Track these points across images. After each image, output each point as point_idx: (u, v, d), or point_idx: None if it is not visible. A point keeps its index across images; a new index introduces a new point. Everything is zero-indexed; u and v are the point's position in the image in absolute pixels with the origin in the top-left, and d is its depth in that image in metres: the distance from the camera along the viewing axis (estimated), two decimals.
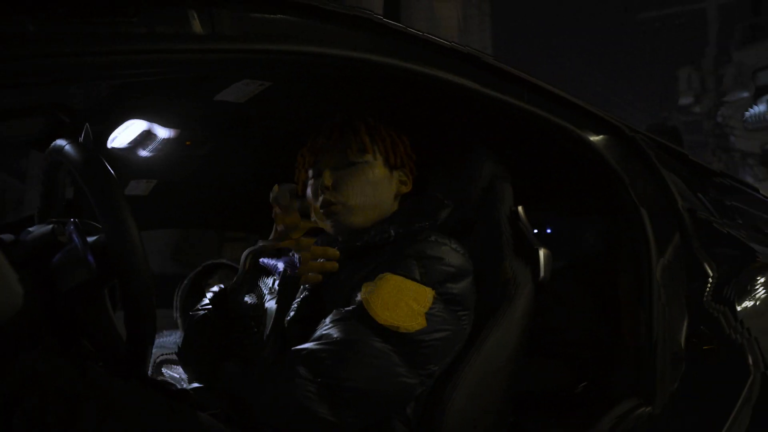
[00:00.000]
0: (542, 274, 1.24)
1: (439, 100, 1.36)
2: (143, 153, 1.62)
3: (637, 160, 1.44)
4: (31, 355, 0.79)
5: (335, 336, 1.04)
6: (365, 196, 1.23)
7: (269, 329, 1.17)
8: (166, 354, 1.74)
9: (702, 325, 1.32)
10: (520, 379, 1.21)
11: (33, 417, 0.73)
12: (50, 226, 0.86)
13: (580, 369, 1.49)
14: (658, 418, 1.23)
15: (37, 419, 0.73)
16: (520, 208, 1.32)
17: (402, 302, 1.05)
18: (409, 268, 1.09)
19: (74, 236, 0.84)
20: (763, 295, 1.42)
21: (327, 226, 1.26)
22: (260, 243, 1.24)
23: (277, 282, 1.25)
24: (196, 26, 0.82)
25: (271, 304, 1.24)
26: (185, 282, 1.66)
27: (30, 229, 0.90)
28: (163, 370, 1.71)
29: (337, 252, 1.19)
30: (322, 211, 1.23)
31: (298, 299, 1.24)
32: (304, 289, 1.25)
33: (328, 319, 1.08)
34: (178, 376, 1.65)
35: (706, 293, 1.36)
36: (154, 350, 1.17)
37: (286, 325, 1.21)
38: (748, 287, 1.40)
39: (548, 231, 1.96)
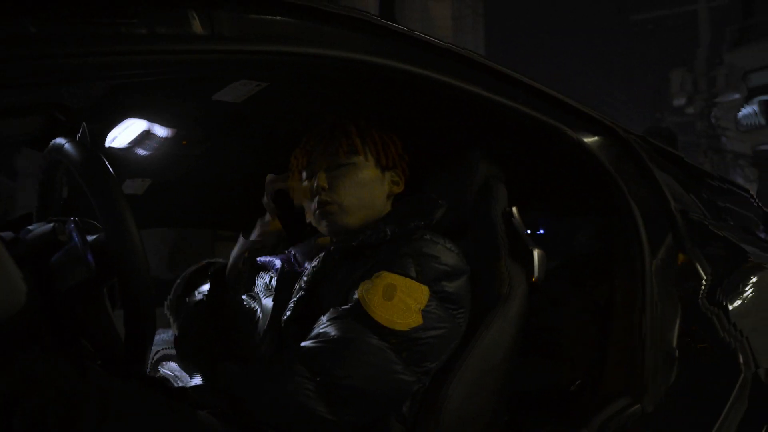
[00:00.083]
0: (536, 274, 1.25)
1: (434, 102, 1.36)
2: (139, 152, 1.62)
3: (631, 161, 1.45)
4: (30, 354, 0.79)
5: (332, 334, 1.05)
6: (359, 196, 1.24)
7: (266, 326, 1.17)
8: (165, 349, 1.74)
9: (695, 324, 1.34)
10: (515, 378, 1.22)
11: (33, 417, 0.72)
12: (51, 224, 0.87)
13: (573, 368, 1.50)
14: (651, 416, 1.24)
15: (36, 419, 0.73)
16: (514, 209, 1.33)
17: (398, 299, 1.06)
18: (406, 266, 1.11)
19: (74, 235, 0.85)
20: (754, 295, 1.44)
21: (322, 226, 1.27)
22: (242, 240, 1.26)
23: (274, 279, 1.26)
24: (196, 27, 0.83)
25: (268, 301, 1.24)
26: (179, 281, 1.67)
27: (30, 227, 0.90)
28: (161, 369, 1.71)
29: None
30: (318, 212, 1.24)
31: (295, 298, 1.25)
32: (301, 288, 1.26)
33: (325, 318, 1.09)
34: (172, 374, 1.66)
35: (698, 293, 1.37)
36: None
37: (283, 324, 1.22)
38: (740, 287, 1.42)
39: (540, 232, 1.97)
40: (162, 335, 1.89)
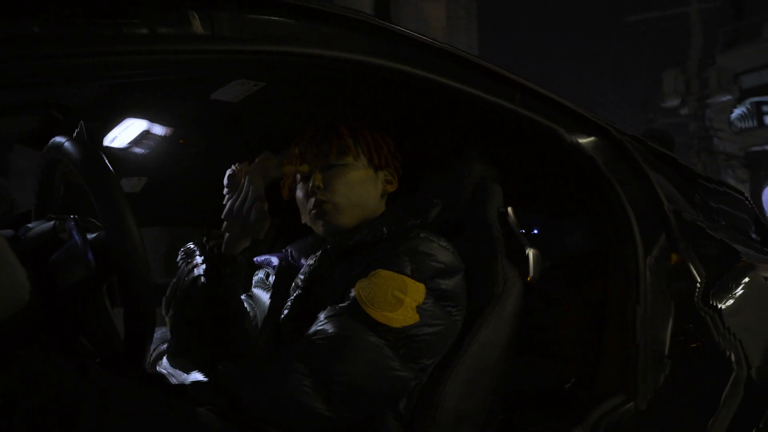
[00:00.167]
0: (531, 273, 1.26)
1: (431, 102, 1.37)
2: (136, 151, 1.62)
3: (625, 162, 1.47)
4: (29, 353, 0.79)
5: (330, 332, 1.05)
6: (353, 196, 1.25)
7: (264, 322, 1.18)
8: (163, 344, 1.73)
9: (689, 323, 1.35)
10: (510, 377, 1.23)
11: (33, 416, 0.73)
12: (51, 223, 0.87)
13: (567, 367, 1.51)
14: (645, 414, 1.25)
15: (37, 418, 0.73)
16: (509, 209, 1.34)
17: (395, 297, 1.07)
18: (402, 264, 1.12)
19: (74, 233, 0.85)
20: (746, 295, 1.45)
21: (318, 226, 1.27)
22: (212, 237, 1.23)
23: (272, 276, 1.26)
24: (197, 27, 0.84)
25: (265, 298, 1.25)
26: (174, 279, 1.66)
27: (29, 225, 0.90)
28: (158, 367, 1.71)
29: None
30: (313, 212, 1.25)
31: (292, 297, 1.26)
32: (298, 286, 1.27)
33: (322, 316, 1.10)
34: (167, 372, 1.66)
35: (691, 293, 1.39)
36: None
37: (280, 322, 1.23)
38: (732, 287, 1.43)
39: (535, 232, 1.98)
40: (157, 334, 1.89)
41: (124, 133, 1.52)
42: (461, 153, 1.41)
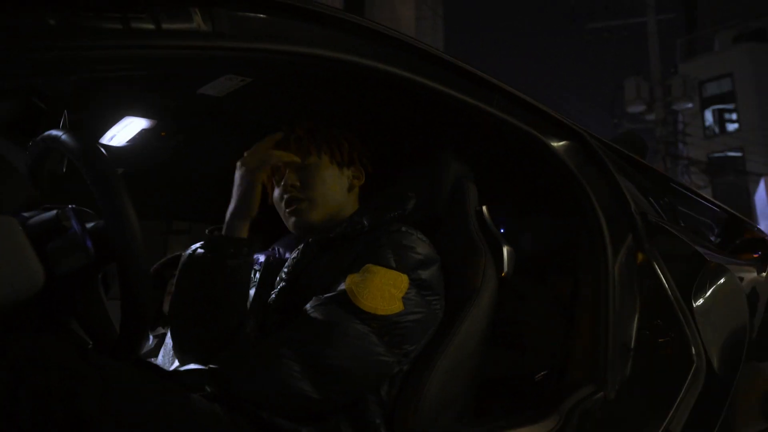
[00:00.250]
0: (506, 269, 1.32)
1: (411, 102, 1.41)
2: (116, 142, 1.62)
3: (595, 165, 1.53)
4: (28, 335, 0.81)
5: (318, 319, 1.10)
6: (322, 192, 1.31)
7: (249, 311, 1.21)
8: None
9: (657, 319, 1.43)
10: (485, 366, 1.28)
11: (37, 396, 0.75)
12: (54, 211, 0.88)
13: (537, 358, 1.58)
14: (613, 402, 1.32)
15: (41, 398, 0.75)
16: (484, 208, 1.40)
17: (384, 290, 1.12)
18: (386, 257, 1.17)
19: (73, 221, 0.86)
20: (706, 291, 1.53)
21: (290, 223, 1.31)
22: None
23: (258, 273, 1.29)
24: (198, 24, 0.86)
25: (251, 291, 1.28)
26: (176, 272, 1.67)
27: (25, 214, 0.91)
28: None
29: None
30: (287, 210, 1.29)
31: (277, 289, 1.29)
32: (282, 279, 1.31)
33: (309, 305, 1.14)
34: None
35: (656, 289, 1.46)
36: None
37: (266, 312, 1.26)
38: (693, 284, 1.51)
39: (501, 231, 2.03)
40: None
41: (107, 125, 1.53)
42: (438, 152, 1.45)
